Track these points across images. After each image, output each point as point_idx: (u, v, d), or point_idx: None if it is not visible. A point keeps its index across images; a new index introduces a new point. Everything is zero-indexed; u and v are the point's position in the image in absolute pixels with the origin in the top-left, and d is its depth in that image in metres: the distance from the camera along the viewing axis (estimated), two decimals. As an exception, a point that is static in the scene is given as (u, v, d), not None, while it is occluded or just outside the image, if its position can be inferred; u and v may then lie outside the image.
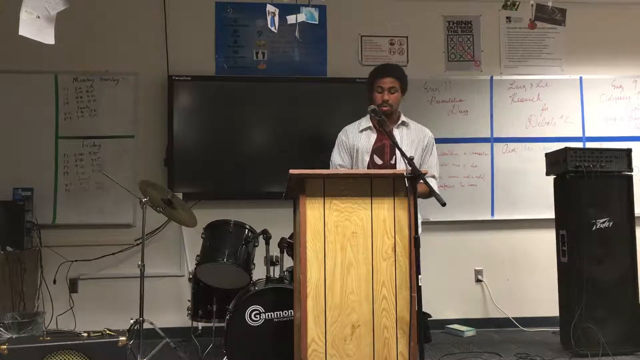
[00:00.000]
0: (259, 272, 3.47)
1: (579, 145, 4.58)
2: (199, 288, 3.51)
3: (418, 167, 3.18)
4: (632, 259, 3.70)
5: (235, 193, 4.41)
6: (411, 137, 3.25)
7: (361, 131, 3.26)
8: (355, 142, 3.24)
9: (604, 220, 3.68)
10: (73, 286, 4.26)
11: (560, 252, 3.83)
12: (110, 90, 4.37)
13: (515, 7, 3.70)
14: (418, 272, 2.39)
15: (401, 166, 3.16)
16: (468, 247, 4.61)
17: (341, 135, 3.31)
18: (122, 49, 4.43)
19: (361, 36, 4.65)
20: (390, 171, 2.83)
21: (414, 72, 4.60)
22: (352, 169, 3.23)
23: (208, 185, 4.38)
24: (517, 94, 4.69)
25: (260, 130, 4.46)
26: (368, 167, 3.18)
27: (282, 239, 3.42)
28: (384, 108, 3.16)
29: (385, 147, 3.21)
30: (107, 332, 2.75)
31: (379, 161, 3.21)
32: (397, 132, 3.24)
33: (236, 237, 3.42)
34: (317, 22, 3.44)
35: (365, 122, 3.29)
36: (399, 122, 3.27)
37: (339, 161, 3.26)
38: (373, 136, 3.24)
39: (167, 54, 4.43)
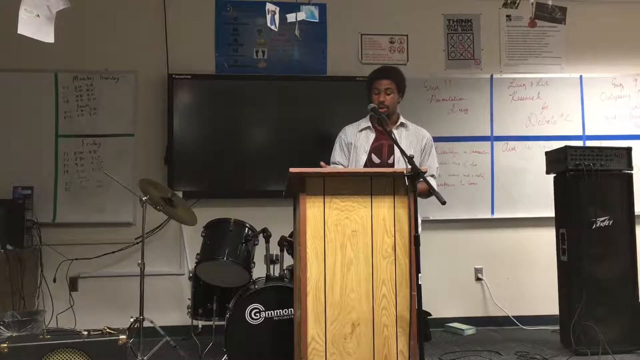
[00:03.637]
0: (259, 271, 3.47)
1: (579, 143, 4.57)
2: (199, 286, 3.51)
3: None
4: (632, 258, 3.69)
5: (235, 191, 4.41)
6: (409, 138, 3.30)
7: (360, 131, 3.32)
8: (354, 140, 3.30)
9: (604, 218, 3.68)
10: (73, 285, 4.26)
11: (560, 251, 3.83)
12: (110, 89, 4.37)
13: (516, 5, 3.70)
14: (418, 271, 2.39)
15: (400, 166, 3.19)
16: (468, 245, 4.61)
17: (340, 135, 3.38)
18: (122, 47, 4.42)
19: (361, 34, 4.64)
20: (390, 170, 2.84)
21: (414, 70, 4.61)
22: (348, 167, 3.27)
23: (208, 184, 4.38)
24: (517, 93, 4.69)
25: (260, 129, 4.46)
26: (365, 166, 3.22)
27: (282, 237, 3.43)
28: (381, 109, 3.20)
29: (384, 146, 3.26)
30: (107, 330, 2.75)
31: (376, 160, 3.24)
32: (396, 133, 3.28)
33: (236, 235, 3.42)
34: (317, 20, 3.44)
35: (365, 122, 3.35)
36: (398, 123, 3.33)
37: (337, 159, 3.32)
38: (372, 135, 3.29)
39: (167, 53, 4.43)
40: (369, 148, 3.26)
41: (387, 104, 3.22)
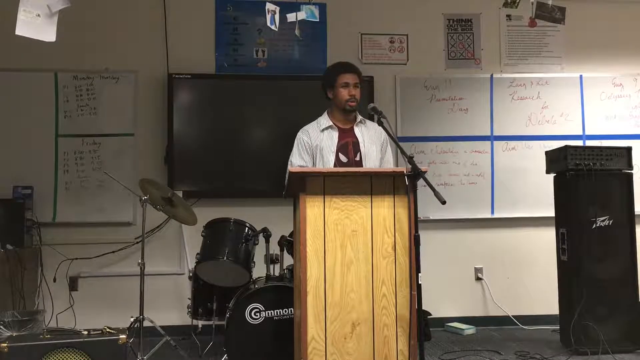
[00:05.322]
0: (259, 270, 3.47)
1: (579, 143, 4.57)
2: (199, 286, 3.51)
3: (379, 162, 3.24)
4: (632, 257, 3.69)
5: (236, 191, 4.41)
6: (370, 134, 3.30)
7: (322, 130, 3.27)
8: (318, 141, 3.25)
9: (604, 218, 3.68)
10: (73, 284, 4.26)
11: (560, 250, 3.83)
12: (110, 89, 4.36)
13: (516, 5, 3.70)
14: (418, 270, 2.39)
15: (366, 163, 3.22)
16: (468, 245, 4.61)
17: (302, 136, 3.30)
18: (122, 47, 4.42)
19: (361, 34, 4.64)
20: (391, 169, 2.84)
21: (414, 70, 4.62)
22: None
23: (208, 184, 4.38)
24: (517, 92, 4.69)
25: (260, 128, 4.46)
26: (334, 166, 3.19)
27: (282, 237, 3.43)
28: (352, 103, 3.22)
29: (349, 144, 3.26)
30: (107, 330, 2.75)
31: (344, 159, 3.24)
32: (357, 130, 3.30)
33: (236, 235, 3.42)
34: (317, 20, 3.44)
35: (325, 121, 3.31)
36: (358, 120, 3.32)
37: (299, 162, 3.24)
38: (335, 135, 3.27)
39: (167, 52, 4.43)
40: (335, 148, 3.23)
41: (357, 97, 3.22)
